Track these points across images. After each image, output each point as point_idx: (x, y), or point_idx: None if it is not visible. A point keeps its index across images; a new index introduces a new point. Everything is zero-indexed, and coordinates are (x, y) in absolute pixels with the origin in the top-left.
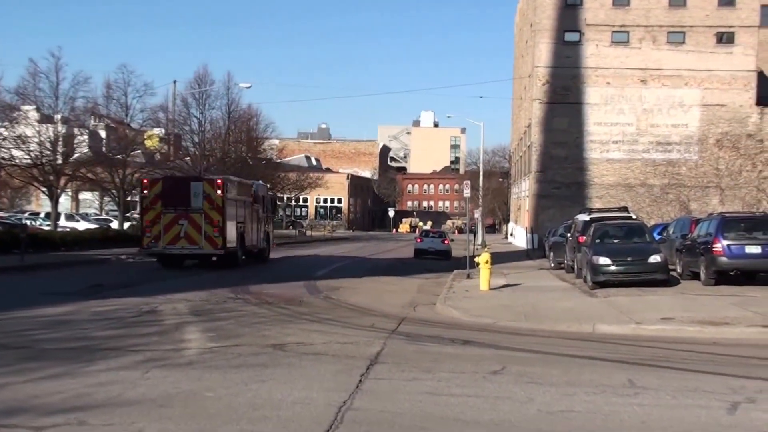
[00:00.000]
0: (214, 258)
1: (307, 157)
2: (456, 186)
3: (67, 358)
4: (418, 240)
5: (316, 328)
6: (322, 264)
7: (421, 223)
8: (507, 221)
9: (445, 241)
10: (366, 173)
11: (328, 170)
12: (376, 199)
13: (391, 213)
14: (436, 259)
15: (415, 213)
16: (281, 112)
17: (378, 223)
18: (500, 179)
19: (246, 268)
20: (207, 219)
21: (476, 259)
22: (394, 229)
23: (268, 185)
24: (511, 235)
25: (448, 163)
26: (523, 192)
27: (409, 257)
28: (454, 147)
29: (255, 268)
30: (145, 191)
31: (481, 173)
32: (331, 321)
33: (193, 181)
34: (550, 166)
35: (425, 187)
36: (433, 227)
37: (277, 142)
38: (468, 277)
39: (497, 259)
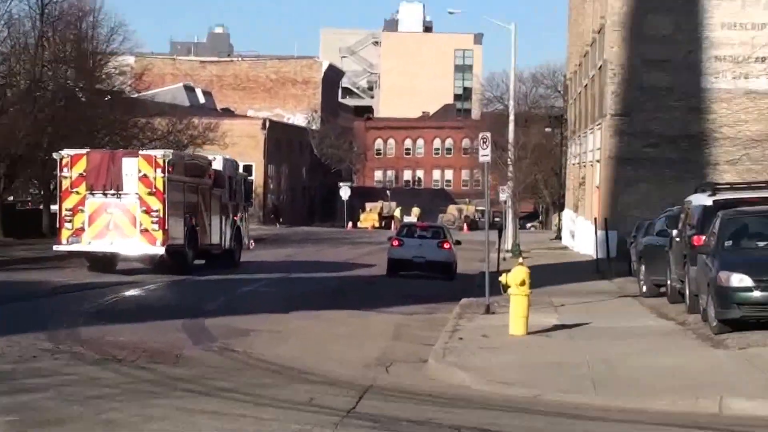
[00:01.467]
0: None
1: (189, 88)
2: (464, 141)
3: None
4: (395, 243)
5: (205, 406)
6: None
7: (398, 211)
8: (560, 207)
9: (445, 245)
10: (298, 117)
11: (228, 112)
12: (317, 167)
13: (346, 192)
14: (427, 276)
15: (389, 192)
16: (140, 7)
17: (323, 212)
18: (547, 129)
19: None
20: (143, 206)
21: (503, 279)
22: (350, 223)
23: (234, 161)
24: (568, 232)
25: (450, 100)
26: (590, 153)
27: (380, 273)
28: (462, 69)
29: (198, 279)
30: (65, 169)
31: (511, 118)
32: (232, 393)
33: (125, 157)
34: (639, 106)
35: (408, 143)
36: (422, 219)
37: (132, 60)
38: (488, 311)
39: (542, 277)
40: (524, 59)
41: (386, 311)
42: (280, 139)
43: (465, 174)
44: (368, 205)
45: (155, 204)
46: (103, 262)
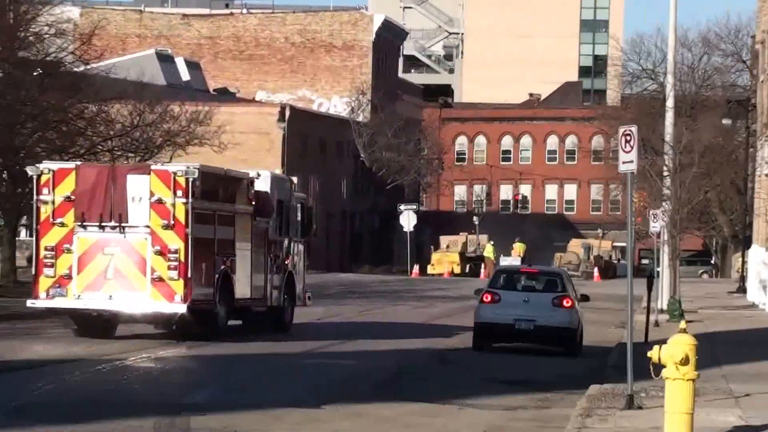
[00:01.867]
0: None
1: (165, 58)
2: (595, 139)
3: None
4: (487, 298)
5: None
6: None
7: (491, 249)
8: (744, 244)
9: (565, 302)
10: (335, 103)
11: (226, 95)
12: (364, 180)
13: (410, 219)
14: (537, 350)
15: (476, 219)
16: None
17: (374, 250)
18: (725, 121)
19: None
20: (156, 245)
21: (654, 354)
22: (417, 268)
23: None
24: (757, 282)
25: (573, 77)
26: None
27: (463, 345)
28: (593, 27)
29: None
30: (45, 190)
31: (669, 104)
32: None
33: (132, 173)
34: None
35: (507, 142)
36: (529, 262)
37: (76, 14)
38: (631, 404)
39: (716, 351)
40: (689, 12)
41: (472, 405)
42: (308, 136)
43: (595, 191)
44: (444, 240)
45: (174, 242)
46: (98, 324)
